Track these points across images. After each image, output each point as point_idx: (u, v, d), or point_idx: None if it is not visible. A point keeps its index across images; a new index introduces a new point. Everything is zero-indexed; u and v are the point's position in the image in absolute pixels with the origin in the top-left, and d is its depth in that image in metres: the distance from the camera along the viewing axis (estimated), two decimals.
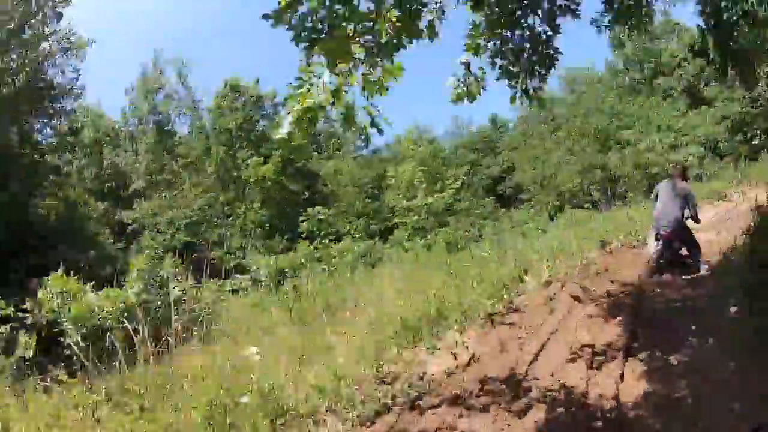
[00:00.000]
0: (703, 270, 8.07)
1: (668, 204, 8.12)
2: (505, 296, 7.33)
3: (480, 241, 18.35)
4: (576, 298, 7.67)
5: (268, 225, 26.98)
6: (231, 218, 27.17)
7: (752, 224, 8.13)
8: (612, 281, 8.66)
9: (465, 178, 29.46)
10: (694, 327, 6.38)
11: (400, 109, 77.32)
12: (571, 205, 25.63)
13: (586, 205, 24.56)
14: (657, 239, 8.28)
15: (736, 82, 18.21)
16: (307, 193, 29.58)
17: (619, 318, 6.75)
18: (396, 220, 26.44)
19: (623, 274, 9.15)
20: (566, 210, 24.00)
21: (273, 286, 15.68)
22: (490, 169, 37.94)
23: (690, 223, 8.43)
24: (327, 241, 22.65)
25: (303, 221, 24.54)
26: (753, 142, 18.37)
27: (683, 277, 8.68)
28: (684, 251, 8.38)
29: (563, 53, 5.87)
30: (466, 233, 22.13)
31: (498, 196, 35.39)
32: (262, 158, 27.74)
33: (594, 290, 8.15)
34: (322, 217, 24.34)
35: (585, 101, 26.71)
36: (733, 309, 6.46)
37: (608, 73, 29.12)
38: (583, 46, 67.85)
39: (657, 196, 8.52)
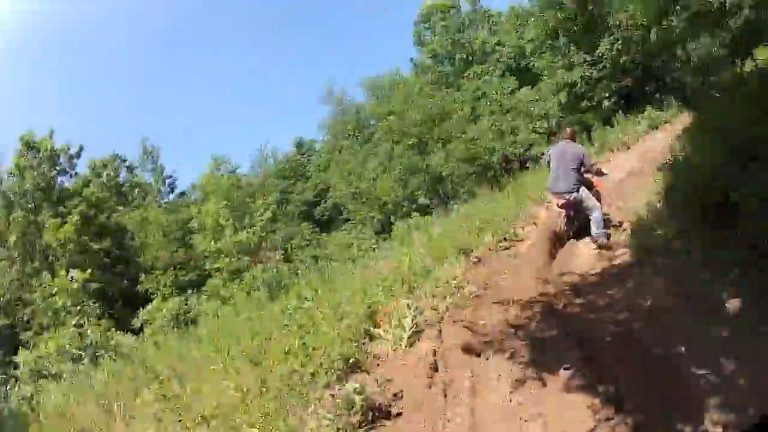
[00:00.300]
0: (601, 234, 7.17)
1: (560, 170, 7.53)
2: (357, 400, 3.69)
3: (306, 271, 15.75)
4: (471, 351, 4.51)
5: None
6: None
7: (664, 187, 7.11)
8: (505, 303, 5.74)
9: (274, 206, 26.92)
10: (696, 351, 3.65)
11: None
12: (397, 216, 23.71)
13: (414, 214, 22.67)
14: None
15: (570, 48, 17.53)
16: (117, 251, 25.92)
17: (568, 374, 3.70)
18: (208, 266, 23.13)
19: (513, 286, 6.35)
20: (396, 222, 21.85)
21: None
22: (303, 194, 36.25)
23: (596, 179, 7.97)
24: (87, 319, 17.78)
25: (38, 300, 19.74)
26: (604, 105, 17.59)
27: (592, 272, 6.28)
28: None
29: None
30: (287, 268, 19.52)
31: (316, 221, 33.93)
32: (58, 219, 23.64)
33: (488, 326, 5.12)
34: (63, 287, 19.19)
35: (394, 102, 25.05)
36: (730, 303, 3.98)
37: (414, 71, 28.28)
38: (389, 55, 70.72)
39: (549, 163, 7.89)
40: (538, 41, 18.88)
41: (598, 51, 16.69)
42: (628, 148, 13.06)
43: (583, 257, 7.38)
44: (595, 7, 16.11)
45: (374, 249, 19.41)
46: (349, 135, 32.63)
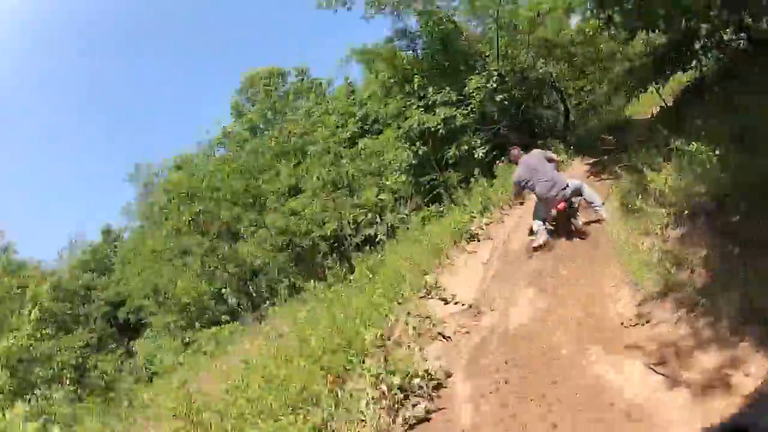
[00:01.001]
0: (603, 211, 6.60)
1: (549, 175, 6.66)
2: None
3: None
4: None
5: None
6: None
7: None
8: None
9: (48, 302, 20.12)
10: None
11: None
12: (202, 323, 17.92)
13: (224, 317, 16.75)
14: (543, 219, 6.71)
15: (428, 90, 12.26)
16: None
17: None
18: None
19: None
20: (201, 331, 16.20)
21: None
22: (106, 291, 29.53)
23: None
24: None
25: None
26: (476, 155, 12.88)
27: None
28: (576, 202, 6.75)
29: None
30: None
31: (121, 325, 28.00)
32: None
33: None
34: None
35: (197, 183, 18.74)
36: None
37: (231, 145, 23.09)
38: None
39: (529, 171, 6.77)
40: (384, 88, 14.18)
41: (466, 89, 12.34)
42: (522, 203, 9.13)
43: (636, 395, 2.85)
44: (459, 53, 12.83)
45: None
46: (157, 221, 25.79)
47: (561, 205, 6.48)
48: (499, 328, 4.69)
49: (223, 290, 18.73)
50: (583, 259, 5.96)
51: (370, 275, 7.15)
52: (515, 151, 7.36)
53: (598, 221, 6.56)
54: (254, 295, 17.64)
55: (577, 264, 5.82)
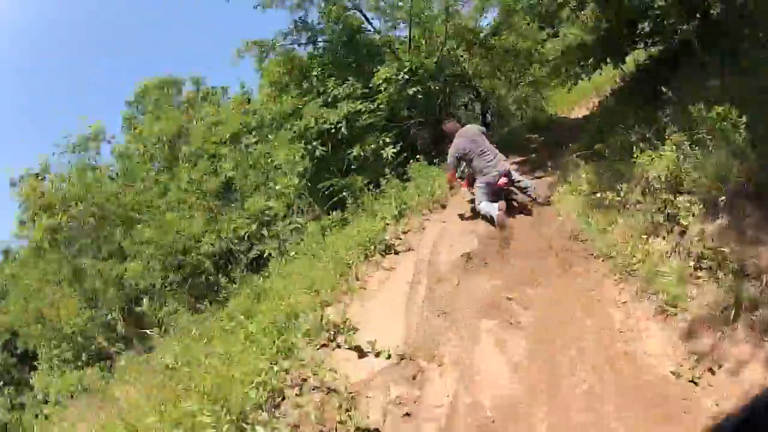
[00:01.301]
0: (534, 193, 6.19)
1: (491, 150, 6.29)
2: None
3: None
4: None
5: None
6: None
7: None
8: None
9: None
10: None
11: None
12: (89, 353, 13.68)
13: (115, 348, 13.56)
14: (492, 198, 6.05)
15: (328, 83, 10.44)
16: None
17: None
18: None
19: None
20: (88, 366, 11.78)
21: None
22: (7, 317, 25.19)
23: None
24: None
25: None
26: (385, 156, 10.71)
27: None
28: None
29: None
30: None
31: (23, 354, 19.97)
32: None
33: None
34: None
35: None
36: None
37: (121, 162, 19.76)
38: None
39: (470, 142, 6.30)
40: (278, 86, 11.83)
41: (373, 80, 10.46)
42: (444, 206, 7.34)
43: None
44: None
45: None
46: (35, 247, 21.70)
47: (502, 180, 6.09)
48: (463, 402, 2.77)
49: (109, 317, 15.65)
50: (548, 268, 4.25)
51: (247, 313, 4.95)
52: (451, 124, 6.89)
53: (533, 203, 6.13)
54: (145, 322, 14.71)
55: (543, 276, 4.09)
